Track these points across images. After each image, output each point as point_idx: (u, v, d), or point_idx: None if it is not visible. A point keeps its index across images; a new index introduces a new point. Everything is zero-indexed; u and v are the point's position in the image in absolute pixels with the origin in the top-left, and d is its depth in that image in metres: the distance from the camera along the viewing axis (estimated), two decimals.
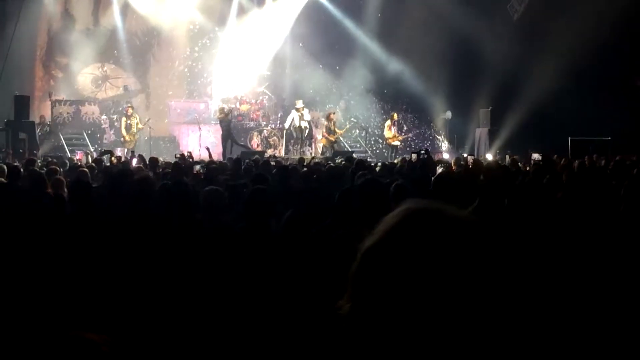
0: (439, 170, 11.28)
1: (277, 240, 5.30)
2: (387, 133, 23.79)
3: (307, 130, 23.61)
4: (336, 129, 23.95)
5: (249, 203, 5.26)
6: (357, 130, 26.76)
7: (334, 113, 24.45)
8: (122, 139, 22.44)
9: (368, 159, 20.70)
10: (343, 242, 4.37)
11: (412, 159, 14.18)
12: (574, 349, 3.40)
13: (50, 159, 15.38)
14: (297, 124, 23.28)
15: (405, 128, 25.06)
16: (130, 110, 22.56)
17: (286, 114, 24.68)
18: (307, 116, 23.53)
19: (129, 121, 22.32)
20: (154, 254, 5.62)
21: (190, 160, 14.76)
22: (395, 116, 24.06)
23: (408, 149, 23.89)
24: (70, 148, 22.67)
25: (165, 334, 5.17)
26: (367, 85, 26.86)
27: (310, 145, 24.63)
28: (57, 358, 1.70)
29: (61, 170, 12.14)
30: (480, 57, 21.93)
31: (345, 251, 1.45)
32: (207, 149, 19.23)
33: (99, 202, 7.63)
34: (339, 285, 1.37)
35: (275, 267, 5.05)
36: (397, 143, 23.75)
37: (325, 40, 26.20)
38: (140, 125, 22.40)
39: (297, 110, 23.39)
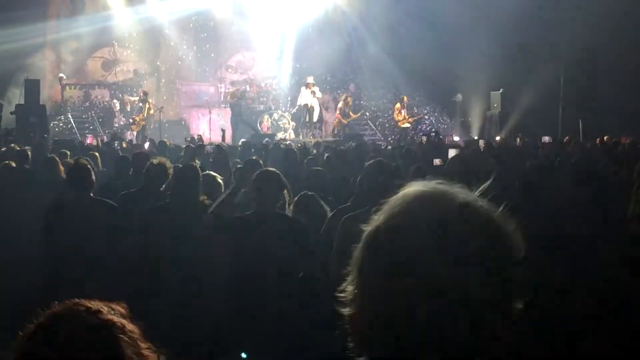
0: (452, 152, 11.27)
1: (288, 224, 5.27)
2: (397, 116, 23.77)
3: (315, 111, 23.45)
4: (351, 112, 23.92)
5: (257, 187, 5.23)
6: (367, 114, 26.67)
7: (349, 96, 24.48)
8: (132, 119, 22.56)
9: (377, 142, 20.69)
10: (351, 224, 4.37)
11: (422, 141, 14.16)
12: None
13: (59, 143, 15.42)
14: (308, 103, 23.09)
15: (415, 110, 24.96)
16: (142, 94, 22.86)
17: (295, 97, 24.52)
18: (319, 94, 23.39)
19: (140, 104, 22.50)
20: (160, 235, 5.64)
21: (201, 143, 14.79)
22: (405, 99, 24.04)
23: (419, 132, 23.83)
24: (81, 132, 22.73)
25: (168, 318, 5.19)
26: (376, 67, 26.73)
27: (320, 128, 24.62)
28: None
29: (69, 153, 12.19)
30: (493, 38, 21.76)
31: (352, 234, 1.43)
32: (223, 131, 19.26)
33: (109, 186, 7.66)
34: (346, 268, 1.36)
35: (286, 249, 5.04)
36: (407, 125, 23.71)
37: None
38: (152, 111, 22.54)
39: (308, 86, 23.23)
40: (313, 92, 23.10)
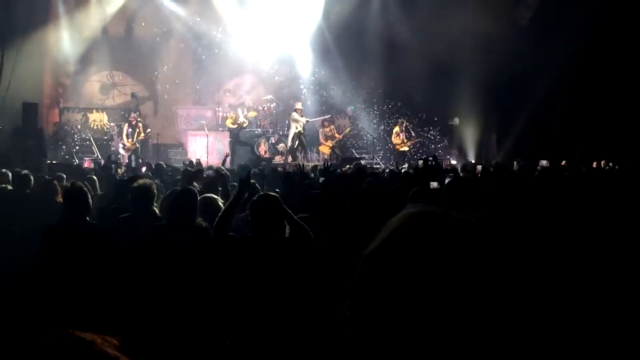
0: (448, 177, 11.26)
1: (285, 248, 5.26)
2: (395, 139, 23.88)
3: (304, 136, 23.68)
4: (336, 134, 24.09)
5: (255, 211, 5.24)
6: (365, 137, 26.74)
7: (328, 121, 24.73)
8: (121, 144, 22.65)
9: (374, 165, 20.74)
10: (348, 247, 4.37)
11: (420, 166, 14.16)
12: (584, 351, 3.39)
13: (57, 167, 15.41)
14: (299, 128, 23.28)
15: (413, 134, 25.03)
16: (134, 120, 22.75)
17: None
18: (303, 119, 23.58)
19: (129, 129, 22.52)
20: (158, 260, 5.63)
21: (200, 167, 14.78)
22: (404, 122, 24.16)
23: (416, 155, 23.87)
24: (79, 155, 22.75)
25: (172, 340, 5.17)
26: (374, 91, 26.86)
27: (318, 152, 24.81)
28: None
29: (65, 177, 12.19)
30: (487, 63, 21.87)
31: (349, 256, 1.45)
32: (227, 155, 19.26)
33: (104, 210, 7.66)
34: (344, 291, 1.37)
35: (283, 274, 5.04)
36: (405, 149, 23.81)
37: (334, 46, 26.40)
38: (142, 135, 22.60)
39: (297, 111, 23.47)
40: (302, 116, 23.30)
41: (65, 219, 6.32)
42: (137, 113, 23.76)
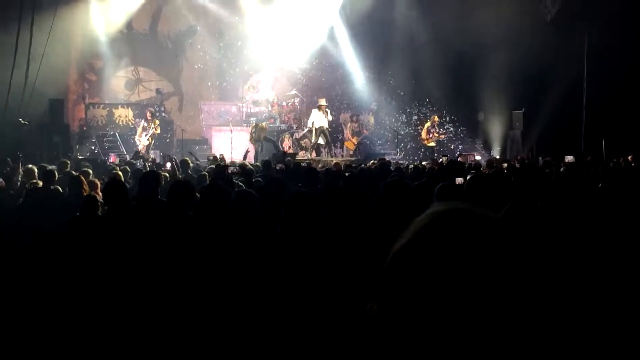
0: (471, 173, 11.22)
1: (318, 244, 5.26)
2: (424, 134, 23.67)
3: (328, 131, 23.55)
4: (435, 133, 23.97)
5: (289, 207, 5.25)
6: (388, 133, 26.69)
7: (358, 115, 24.75)
8: (137, 140, 22.61)
9: (399, 161, 20.71)
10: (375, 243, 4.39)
11: (443, 161, 14.11)
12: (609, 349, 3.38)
13: (82, 162, 15.56)
14: (323, 125, 23.18)
15: (441, 130, 24.73)
16: (149, 115, 22.76)
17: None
18: (329, 116, 23.47)
19: (145, 124, 22.53)
20: (189, 254, 5.68)
21: (223, 162, 14.83)
22: (436, 118, 23.95)
23: (443, 150, 23.76)
24: (104, 151, 22.90)
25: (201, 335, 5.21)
26: (397, 86, 26.79)
27: (342, 147, 24.87)
28: None
29: (94, 173, 12.32)
30: (512, 57, 21.70)
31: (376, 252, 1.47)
32: (247, 151, 19.27)
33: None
34: (370, 287, 1.39)
35: (314, 269, 5.05)
36: (432, 144, 23.62)
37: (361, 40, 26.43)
38: (158, 131, 22.63)
39: (320, 108, 23.26)
40: (326, 113, 23.18)
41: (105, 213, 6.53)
42: (156, 108, 23.86)
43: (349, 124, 24.81)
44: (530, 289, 1.30)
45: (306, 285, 5.00)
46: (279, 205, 5.72)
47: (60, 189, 9.32)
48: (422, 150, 24.49)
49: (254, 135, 22.57)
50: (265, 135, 22.61)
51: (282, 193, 6.81)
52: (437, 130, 23.82)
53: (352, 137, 24.31)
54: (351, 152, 24.26)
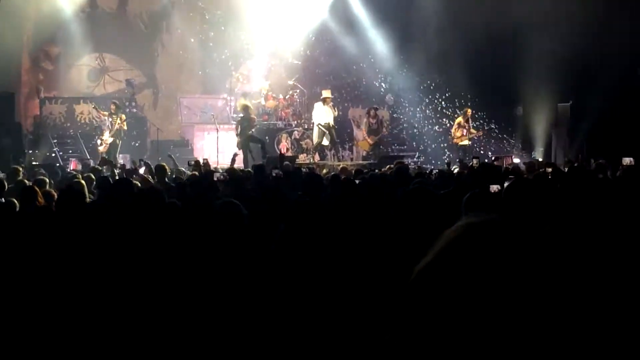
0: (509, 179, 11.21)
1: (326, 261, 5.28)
2: (457, 132, 23.37)
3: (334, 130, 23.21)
4: (383, 129, 23.91)
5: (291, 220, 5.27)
6: (407, 129, 26.72)
7: (376, 109, 24.49)
8: (99, 140, 22.38)
9: (421, 165, 20.70)
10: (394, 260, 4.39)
11: (474, 164, 14.11)
12: None
13: (37, 169, 15.58)
14: (329, 122, 22.90)
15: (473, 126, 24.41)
16: (113, 107, 22.47)
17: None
18: (335, 111, 23.05)
19: (110, 119, 22.32)
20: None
21: (208, 168, 14.82)
22: (469, 112, 23.62)
23: (474, 150, 23.74)
24: (64, 155, 22.84)
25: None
26: (420, 75, 26.81)
27: (351, 149, 24.80)
28: None
29: (51, 182, 12.32)
30: (558, 41, 21.68)
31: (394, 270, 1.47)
32: (235, 154, 19.24)
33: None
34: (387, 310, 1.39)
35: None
36: (465, 143, 23.30)
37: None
38: (124, 127, 22.39)
39: (325, 102, 22.87)
40: (332, 108, 22.90)
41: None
42: (125, 102, 23.80)
43: (364, 120, 24.42)
44: (580, 318, 1.30)
45: (306, 318, 5.00)
46: (273, 220, 5.74)
47: (15, 201, 9.30)
48: (447, 151, 24.42)
49: (242, 125, 21.93)
50: (252, 134, 22.13)
51: (278, 205, 6.82)
52: (471, 126, 23.55)
53: (369, 136, 23.88)
54: (364, 154, 24.12)
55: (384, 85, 27.66)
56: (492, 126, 26.08)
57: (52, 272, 6.06)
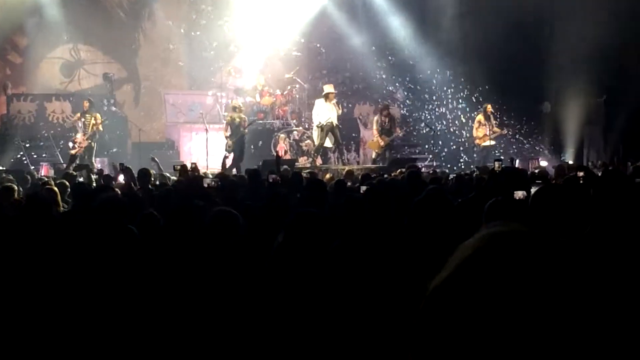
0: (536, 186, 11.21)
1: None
2: (478, 132, 23.29)
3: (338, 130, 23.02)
4: (397, 128, 23.86)
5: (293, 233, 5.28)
6: (420, 129, 26.75)
7: (389, 106, 24.41)
8: (71, 142, 22.12)
9: (436, 169, 20.71)
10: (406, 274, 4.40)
11: (496, 168, 14.10)
12: None
13: (4, 175, 15.59)
14: (331, 120, 22.74)
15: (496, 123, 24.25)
16: (86, 105, 22.44)
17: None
18: (339, 109, 22.85)
19: (82, 119, 22.25)
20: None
21: (196, 173, 14.82)
22: (489, 108, 23.47)
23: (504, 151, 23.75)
24: (34, 159, 22.83)
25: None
26: (434, 67, 26.85)
27: (357, 151, 24.77)
28: None
29: (20, 189, 12.33)
30: (590, 28, 21.71)
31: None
32: (226, 157, 19.22)
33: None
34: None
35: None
36: (488, 143, 23.19)
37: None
38: (100, 128, 22.29)
39: (327, 98, 22.68)
40: (335, 105, 22.83)
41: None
42: (103, 100, 23.80)
43: (375, 118, 24.26)
44: (622, 341, 1.30)
45: (305, 348, 5.00)
46: (270, 231, 5.74)
47: None
48: (463, 155, 24.42)
49: (234, 123, 21.82)
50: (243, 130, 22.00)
51: (276, 214, 6.83)
52: (494, 124, 23.41)
53: (380, 136, 23.68)
54: (374, 156, 24.03)
55: (394, 79, 27.63)
56: (516, 125, 26.05)
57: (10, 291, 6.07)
